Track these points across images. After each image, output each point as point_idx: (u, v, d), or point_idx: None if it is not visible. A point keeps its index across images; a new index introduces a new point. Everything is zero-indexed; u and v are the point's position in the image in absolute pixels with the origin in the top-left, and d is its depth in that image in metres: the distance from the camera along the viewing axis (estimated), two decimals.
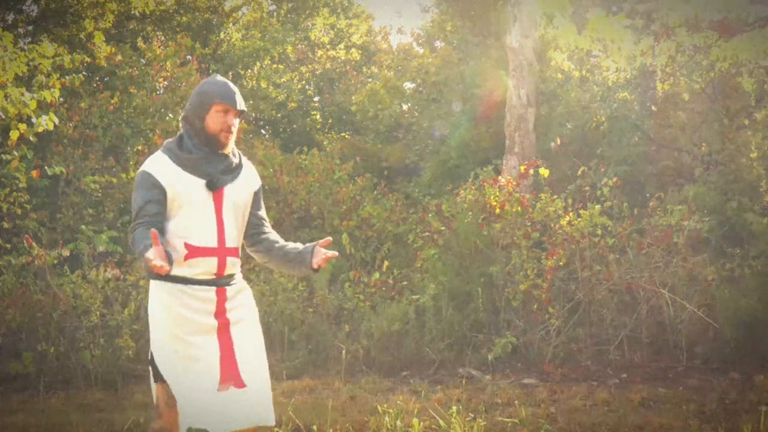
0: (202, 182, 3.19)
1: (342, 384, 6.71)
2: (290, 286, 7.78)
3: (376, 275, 8.03)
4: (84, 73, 7.78)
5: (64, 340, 7.14)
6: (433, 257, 7.95)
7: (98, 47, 9.58)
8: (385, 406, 5.35)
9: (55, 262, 7.59)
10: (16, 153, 7.51)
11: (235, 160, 3.31)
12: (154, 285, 3.23)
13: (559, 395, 6.14)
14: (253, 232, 3.41)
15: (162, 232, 3.10)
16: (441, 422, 4.93)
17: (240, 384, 3.15)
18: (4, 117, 6.46)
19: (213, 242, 3.18)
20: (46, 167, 8.29)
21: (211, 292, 3.20)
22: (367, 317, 7.58)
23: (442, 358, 7.27)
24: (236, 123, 3.26)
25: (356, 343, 7.39)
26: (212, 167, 3.21)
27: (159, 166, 3.19)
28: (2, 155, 7.81)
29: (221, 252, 3.20)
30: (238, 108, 3.23)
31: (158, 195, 3.13)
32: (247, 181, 3.36)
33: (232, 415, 3.11)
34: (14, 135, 6.51)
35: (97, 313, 7.21)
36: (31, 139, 6.71)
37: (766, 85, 9.52)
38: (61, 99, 7.76)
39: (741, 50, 9.04)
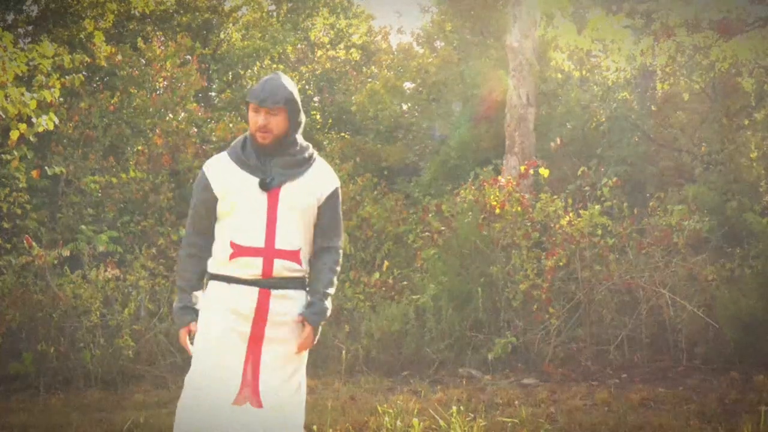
0: (256, 180, 3.10)
1: (342, 384, 6.71)
2: None
3: (376, 275, 8.03)
4: (84, 73, 7.78)
5: (64, 340, 7.14)
6: (433, 257, 7.95)
7: (98, 47, 9.57)
8: (385, 406, 5.36)
9: (55, 262, 7.59)
10: (16, 153, 7.49)
11: (298, 158, 3.16)
12: (208, 285, 3.19)
13: (559, 395, 6.14)
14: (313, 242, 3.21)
15: (208, 234, 3.15)
16: (441, 422, 4.93)
17: (257, 404, 3.03)
18: (4, 117, 6.45)
19: (260, 242, 3.05)
20: (46, 167, 8.29)
21: (253, 292, 3.07)
22: (367, 317, 7.58)
23: (442, 358, 7.27)
24: (273, 121, 3.09)
25: (356, 343, 7.39)
26: (268, 165, 3.11)
27: (215, 164, 3.19)
28: (2, 155, 7.80)
29: (268, 253, 3.06)
30: (263, 106, 3.07)
31: (207, 196, 3.13)
32: (315, 184, 3.17)
33: None
34: (14, 135, 6.50)
35: (97, 313, 7.21)
36: (31, 139, 6.70)
37: (766, 85, 9.52)
38: (61, 99, 7.75)
39: (741, 50, 9.04)
